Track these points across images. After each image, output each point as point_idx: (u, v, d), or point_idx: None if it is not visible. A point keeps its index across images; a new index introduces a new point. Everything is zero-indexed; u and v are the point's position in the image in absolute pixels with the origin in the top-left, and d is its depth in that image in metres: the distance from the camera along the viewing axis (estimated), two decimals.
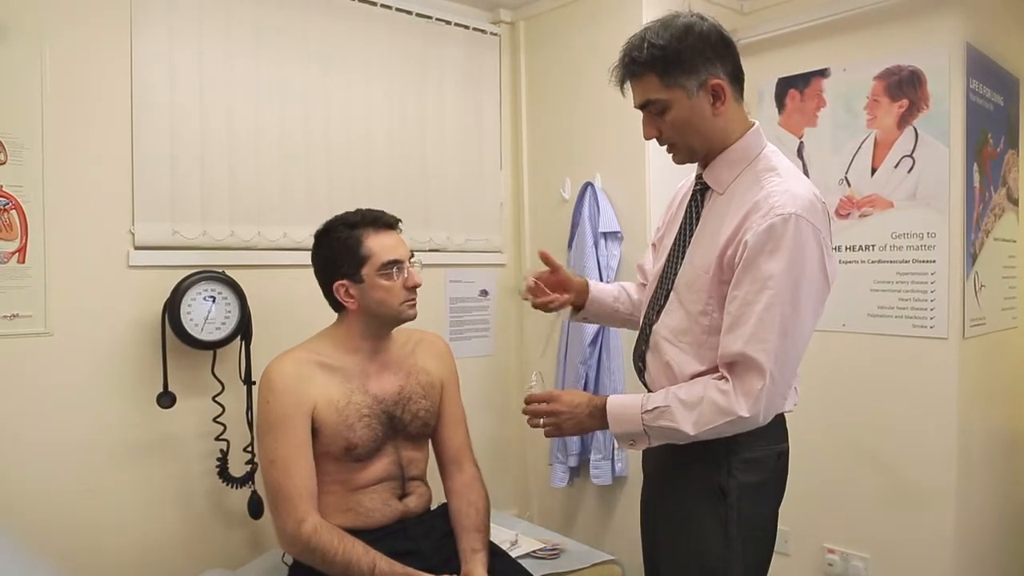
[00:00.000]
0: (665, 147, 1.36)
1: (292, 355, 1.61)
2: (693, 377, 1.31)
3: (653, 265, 1.52)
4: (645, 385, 1.46)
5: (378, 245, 1.59)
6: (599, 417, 1.35)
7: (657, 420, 1.28)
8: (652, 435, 1.31)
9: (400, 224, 1.67)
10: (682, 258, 1.37)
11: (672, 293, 1.37)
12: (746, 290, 1.22)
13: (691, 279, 1.33)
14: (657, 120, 1.31)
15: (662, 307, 1.39)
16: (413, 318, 1.66)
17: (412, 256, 1.65)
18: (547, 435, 1.43)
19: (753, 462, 1.32)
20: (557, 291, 1.55)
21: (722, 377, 1.25)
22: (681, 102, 1.27)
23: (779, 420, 1.38)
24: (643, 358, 1.44)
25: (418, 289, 1.64)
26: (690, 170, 1.44)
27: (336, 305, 1.65)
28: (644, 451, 1.52)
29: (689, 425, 1.25)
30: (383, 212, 1.65)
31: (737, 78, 1.32)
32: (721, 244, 1.27)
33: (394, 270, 1.59)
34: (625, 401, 1.34)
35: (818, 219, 1.24)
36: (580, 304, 1.59)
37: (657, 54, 1.25)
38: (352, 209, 1.66)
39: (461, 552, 1.61)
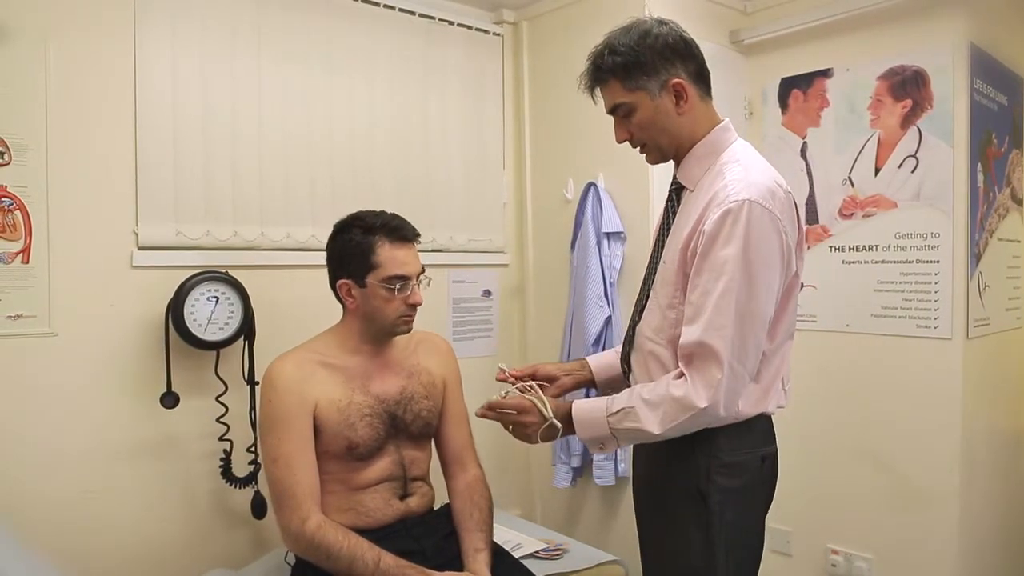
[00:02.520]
0: (637, 149, 1.40)
1: (293, 355, 1.62)
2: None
3: None
4: (630, 387, 1.45)
5: (389, 257, 1.57)
6: (567, 423, 1.35)
7: (622, 422, 1.28)
8: (620, 437, 1.30)
9: (419, 238, 1.64)
10: (660, 258, 1.38)
11: (651, 293, 1.38)
12: (704, 278, 1.23)
13: (663, 275, 1.35)
14: (625, 123, 1.36)
15: (644, 307, 1.40)
16: (406, 333, 1.66)
17: (422, 271, 1.63)
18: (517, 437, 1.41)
19: (734, 466, 1.31)
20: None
21: (680, 375, 1.25)
22: (645, 103, 1.32)
23: (764, 422, 1.37)
24: (628, 360, 1.45)
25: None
26: None
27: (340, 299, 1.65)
28: (635, 454, 1.52)
29: (655, 424, 1.25)
30: (404, 223, 1.62)
31: (701, 77, 1.35)
32: (685, 236, 1.29)
33: (398, 285, 1.58)
34: (591, 406, 1.34)
35: (777, 206, 1.24)
36: (589, 381, 1.58)
37: (619, 60, 1.31)
38: (366, 209, 1.65)
39: (464, 552, 1.61)
